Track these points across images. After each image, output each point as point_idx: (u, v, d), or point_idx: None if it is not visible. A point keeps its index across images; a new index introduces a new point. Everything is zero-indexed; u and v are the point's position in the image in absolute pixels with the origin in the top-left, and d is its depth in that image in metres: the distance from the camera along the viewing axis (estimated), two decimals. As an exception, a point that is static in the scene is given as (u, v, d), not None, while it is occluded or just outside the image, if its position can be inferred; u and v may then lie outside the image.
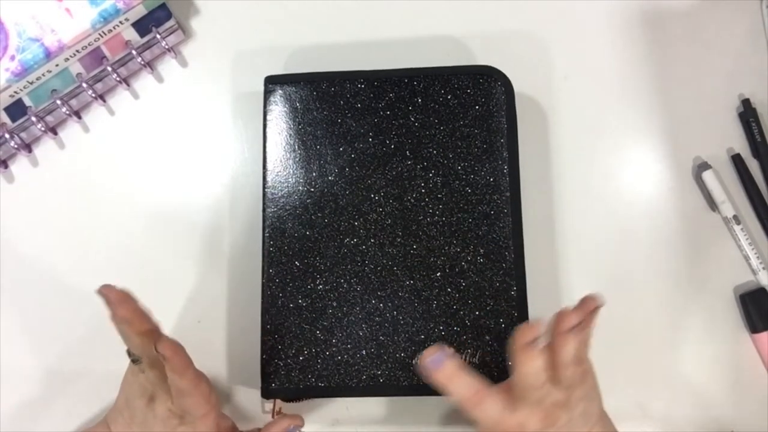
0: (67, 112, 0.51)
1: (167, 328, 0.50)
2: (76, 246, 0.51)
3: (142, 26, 0.51)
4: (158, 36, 0.51)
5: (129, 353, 0.41)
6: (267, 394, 0.46)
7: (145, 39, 0.51)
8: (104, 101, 0.53)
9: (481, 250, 0.46)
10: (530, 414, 0.39)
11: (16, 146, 0.51)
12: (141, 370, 0.42)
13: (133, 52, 0.51)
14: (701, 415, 0.49)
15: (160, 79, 0.54)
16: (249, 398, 0.49)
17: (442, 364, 0.40)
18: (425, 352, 0.41)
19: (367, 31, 0.53)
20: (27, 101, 0.50)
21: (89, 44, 0.50)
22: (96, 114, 0.53)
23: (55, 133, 0.53)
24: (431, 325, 0.46)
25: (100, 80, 0.52)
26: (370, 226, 0.47)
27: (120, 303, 0.40)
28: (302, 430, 0.48)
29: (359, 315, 0.46)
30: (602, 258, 0.50)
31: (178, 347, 0.40)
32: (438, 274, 0.46)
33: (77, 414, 0.49)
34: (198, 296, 0.50)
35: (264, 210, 0.47)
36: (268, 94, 0.49)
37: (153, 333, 0.41)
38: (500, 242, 0.46)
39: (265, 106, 0.49)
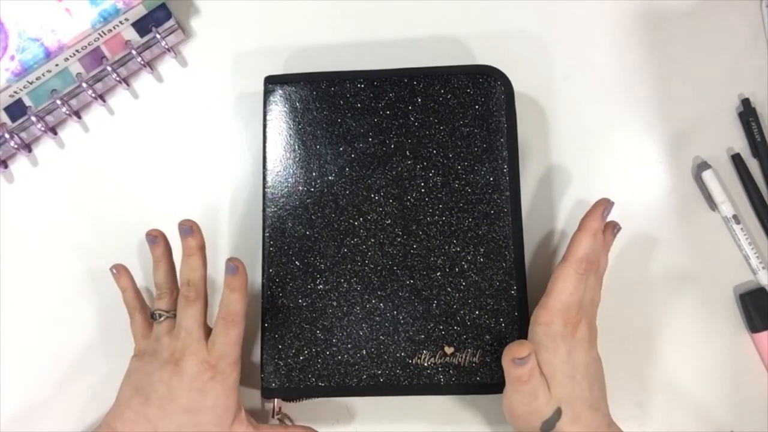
0: (67, 112, 0.51)
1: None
2: (76, 246, 0.51)
3: (141, 26, 0.51)
4: (158, 36, 0.51)
5: (153, 314, 0.45)
6: (267, 394, 0.46)
7: (145, 39, 0.51)
8: (104, 101, 0.53)
9: (481, 250, 0.46)
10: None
11: (15, 146, 0.51)
12: (168, 324, 0.45)
13: (133, 51, 0.51)
14: (701, 415, 0.49)
15: (159, 79, 0.54)
16: (249, 398, 0.49)
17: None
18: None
19: (367, 31, 0.53)
20: (27, 101, 0.50)
21: (89, 44, 0.50)
22: (96, 114, 0.53)
23: (55, 133, 0.53)
24: (431, 325, 0.46)
25: (99, 80, 0.52)
26: (370, 225, 0.47)
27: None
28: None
29: (359, 315, 0.46)
30: (602, 258, 0.50)
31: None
32: (438, 273, 0.46)
33: (77, 414, 0.49)
34: (198, 296, 0.50)
35: (264, 210, 0.47)
36: (267, 94, 0.49)
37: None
38: (500, 242, 0.46)
39: (264, 106, 0.49)
